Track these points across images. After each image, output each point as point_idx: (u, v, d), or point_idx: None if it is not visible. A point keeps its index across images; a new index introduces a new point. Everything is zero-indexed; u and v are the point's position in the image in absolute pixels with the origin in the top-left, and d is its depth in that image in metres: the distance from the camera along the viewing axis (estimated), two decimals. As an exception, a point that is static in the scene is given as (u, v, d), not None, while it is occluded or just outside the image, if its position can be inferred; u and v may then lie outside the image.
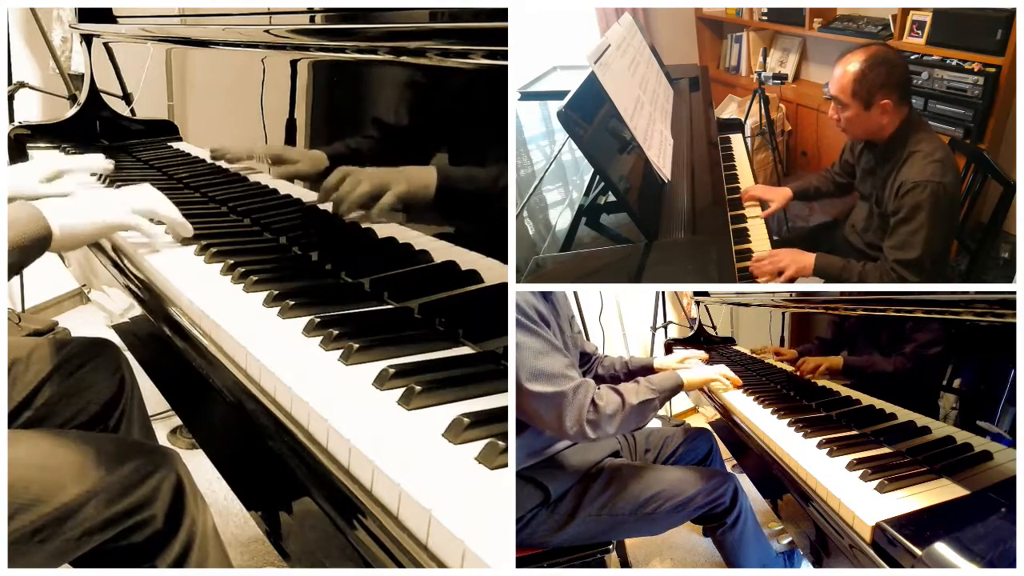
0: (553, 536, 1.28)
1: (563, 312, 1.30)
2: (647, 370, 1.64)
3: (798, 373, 1.51)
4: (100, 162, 1.75)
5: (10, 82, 2.76)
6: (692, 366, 1.54)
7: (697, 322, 2.56)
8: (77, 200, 1.17)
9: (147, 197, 1.26)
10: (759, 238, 1.49)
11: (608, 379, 1.66)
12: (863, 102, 1.33)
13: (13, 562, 0.98)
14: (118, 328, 1.50)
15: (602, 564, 1.34)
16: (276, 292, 1.08)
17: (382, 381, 0.85)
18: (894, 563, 0.79)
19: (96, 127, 2.22)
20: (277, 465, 0.82)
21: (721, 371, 1.40)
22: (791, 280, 1.35)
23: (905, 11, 2.02)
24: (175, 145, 1.92)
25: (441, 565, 0.63)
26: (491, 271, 0.96)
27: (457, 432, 0.75)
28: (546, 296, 1.18)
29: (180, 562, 1.10)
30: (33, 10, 2.76)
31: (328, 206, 1.26)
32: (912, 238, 1.27)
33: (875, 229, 1.47)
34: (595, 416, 1.11)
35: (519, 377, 1.05)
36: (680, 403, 3.04)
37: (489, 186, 0.94)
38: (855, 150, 1.55)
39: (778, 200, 1.61)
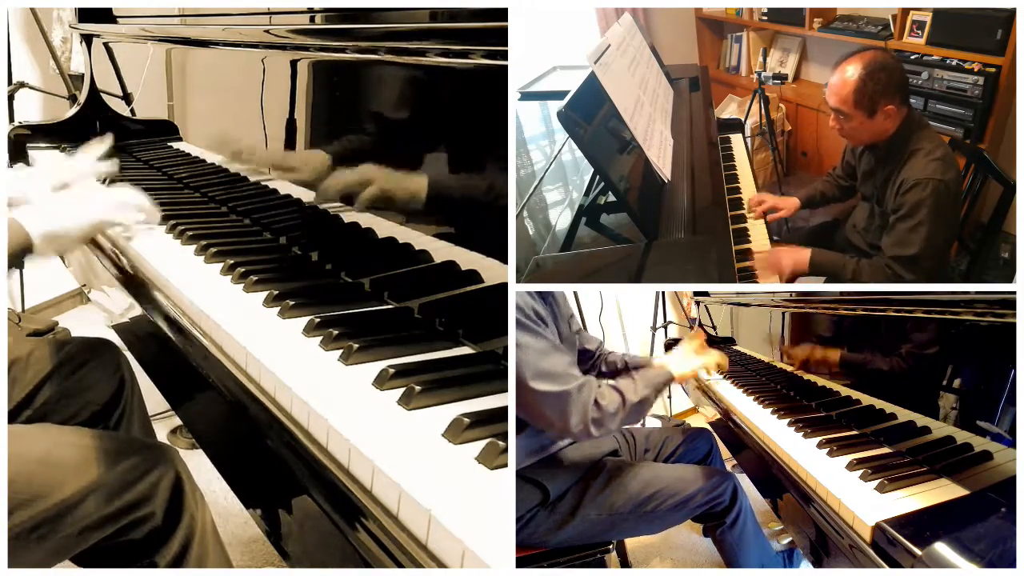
0: (553, 536, 1.28)
1: (562, 312, 1.30)
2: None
3: (790, 361, 1.52)
4: (104, 167, 1.72)
5: (10, 82, 2.75)
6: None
7: (697, 322, 2.56)
8: (59, 205, 1.18)
9: (124, 191, 1.30)
10: (759, 238, 1.49)
11: (610, 377, 1.67)
12: (867, 111, 1.32)
13: (13, 557, 0.98)
14: (118, 328, 1.50)
15: (602, 564, 1.34)
16: (276, 292, 1.08)
17: (382, 381, 0.85)
18: (894, 563, 0.79)
19: (96, 127, 2.21)
20: (277, 465, 0.82)
21: (706, 362, 1.40)
22: (792, 279, 1.35)
23: (905, 11, 2.02)
24: (175, 145, 1.92)
25: (441, 565, 0.63)
26: (491, 271, 0.96)
27: (457, 432, 0.75)
28: (544, 297, 1.18)
29: (179, 558, 1.10)
30: (33, 10, 2.76)
31: (329, 205, 1.26)
32: (911, 235, 1.27)
33: (876, 229, 1.47)
34: (599, 414, 1.12)
35: (523, 377, 1.06)
36: (680, 403, 3.04)
37: (489, 186, 0.94)
38: (855, 152, 1.55)
39: (787, 208, 1.58)
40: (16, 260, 1.08)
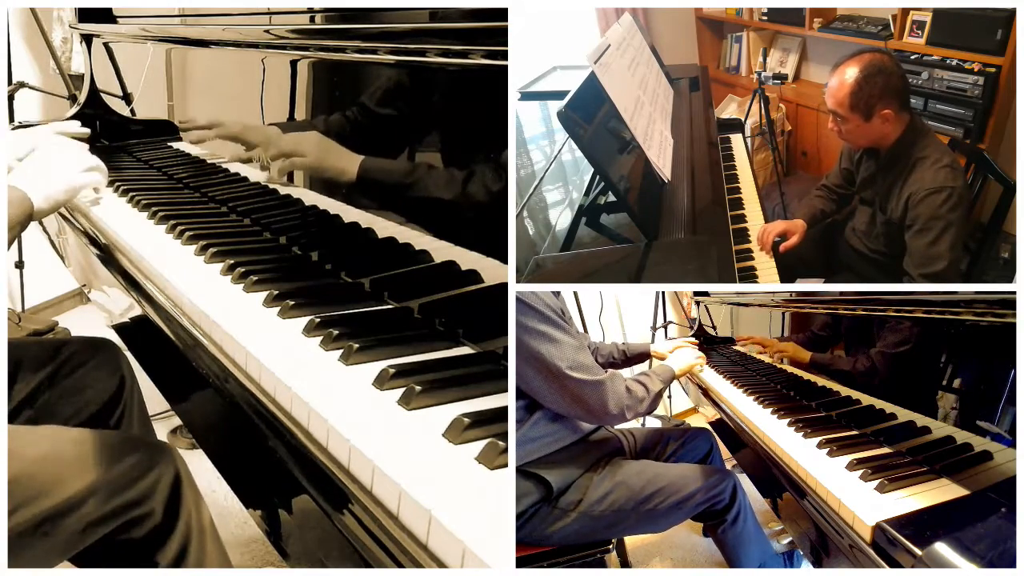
0: (555, 532, 1.28)
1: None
2: (644, 355, 1.78)
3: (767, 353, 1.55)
4: (72, 128, 1.73)
5: (10, 82, 2.75)
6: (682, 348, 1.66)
7: (697, 322, 2.56)
8: (46, 168, 1.26)
9: (90, 156, 1.37)
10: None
11: (607, 366, 1.73)
12: (863, 114, 1.31)
13: (19, 555, 0.99)
14: (118, 328, 1.50)
15: (602, 564, 1.34)
16: (276, 292, 1.08)
17: (382, 381, 0.85)
18: (894, 563, 0.79)
19: (96, 127, 2.21)
20: (277, 465, 0.82)
21: (698, 355, 1.57)
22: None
23: (905, 11, 2.02)
24: (175, 145, 1.92)
25: (441, 565, 0.63)
26: (491, 271, 0.96)
27: (457, 432, 0.75)
28: (557, 297, 1.21)
29: (180, 556, 1.11)
30: (33, 10, 2.75)
31: (329, 205, 1.26)
32: (935, 249, 1.25)
33: (877, 236, 1.46)
34: (631, 401, 1.24)
35: (559, 367, 1.15)
36: (680, 403, 3.04)
37: (489, 186, 0.94)
38: (853, 157, 1.53)
39: (797, 232, 1.47)
40: (21, 228, 1.18)
